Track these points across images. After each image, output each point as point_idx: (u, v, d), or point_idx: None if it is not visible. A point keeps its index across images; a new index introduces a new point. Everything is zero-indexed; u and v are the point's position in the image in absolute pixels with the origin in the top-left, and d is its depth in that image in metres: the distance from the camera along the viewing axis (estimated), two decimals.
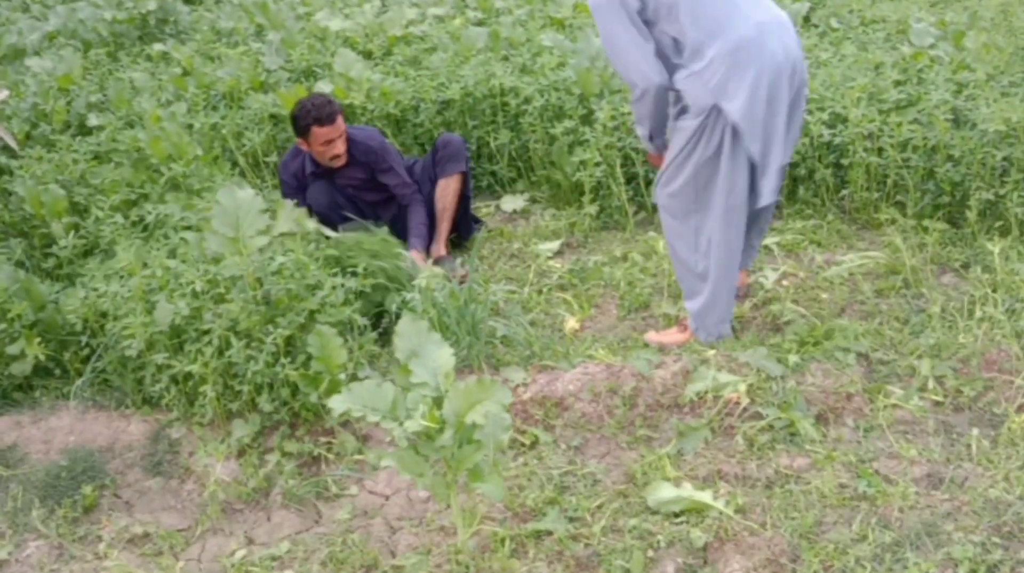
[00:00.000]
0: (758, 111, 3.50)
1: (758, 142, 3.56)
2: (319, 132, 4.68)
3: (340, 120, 4.74)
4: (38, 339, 3.86)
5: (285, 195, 4.84)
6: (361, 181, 4.98)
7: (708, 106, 3.52)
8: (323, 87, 5.86)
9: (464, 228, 5.26)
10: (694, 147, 3.62)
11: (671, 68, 3.61)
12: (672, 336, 4.01)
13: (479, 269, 4.79)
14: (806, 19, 7.89)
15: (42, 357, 3.86)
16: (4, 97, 3.75)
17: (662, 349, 3.85)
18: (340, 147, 4.77)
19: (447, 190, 5.03)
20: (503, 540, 2.96)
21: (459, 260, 4.92)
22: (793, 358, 3.58)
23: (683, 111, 3.68)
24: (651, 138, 3.86)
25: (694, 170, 3.66)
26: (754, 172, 3.67)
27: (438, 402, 2.72)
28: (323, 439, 3.55)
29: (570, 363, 3.73)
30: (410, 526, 3.15)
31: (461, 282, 4.36)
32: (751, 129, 3.52)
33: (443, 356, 2.81)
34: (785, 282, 4.40)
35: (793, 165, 5.02)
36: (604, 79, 5.65)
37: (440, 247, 4.97)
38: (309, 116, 4.67)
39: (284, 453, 3.50)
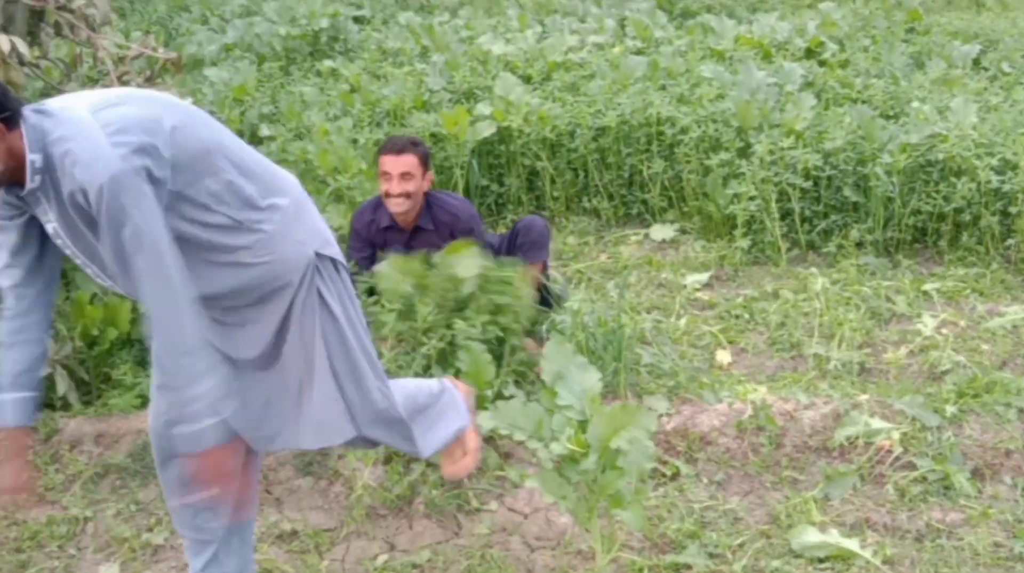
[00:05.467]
0: None
1: None
2: (382, 159, 4.23)
3: (409, 160, 4.17)
4: None
5: (351, 245, 4.35)
6: (439, 249, 4.23)
7: None
8: (483, 109, 5.98)
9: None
10: None
11: None
12: None
13: (625, 296, 4.79)
14: (976, 62, 7.65)
15: None
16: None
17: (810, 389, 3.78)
18: (394, 187, 4.18)
19: (525, 277, 4.22)
20: (641, 569, 2.96)
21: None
22: (950, 409, 3.47)
23: None
24: None
25: None
26: None
27: (583, 425, 2.74)
28: None
29: (716, 397, 3.70)
30: (548, 547, 3.17)
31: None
32: None
33: (589, 380, 2.82)
34: (944, 330, 4.26)
35: (958, 210, 4.88)
36: (764, 112, 5.59)
37: None
38: (384, 144, 4.32)
39: (428, 463, 3.57)
